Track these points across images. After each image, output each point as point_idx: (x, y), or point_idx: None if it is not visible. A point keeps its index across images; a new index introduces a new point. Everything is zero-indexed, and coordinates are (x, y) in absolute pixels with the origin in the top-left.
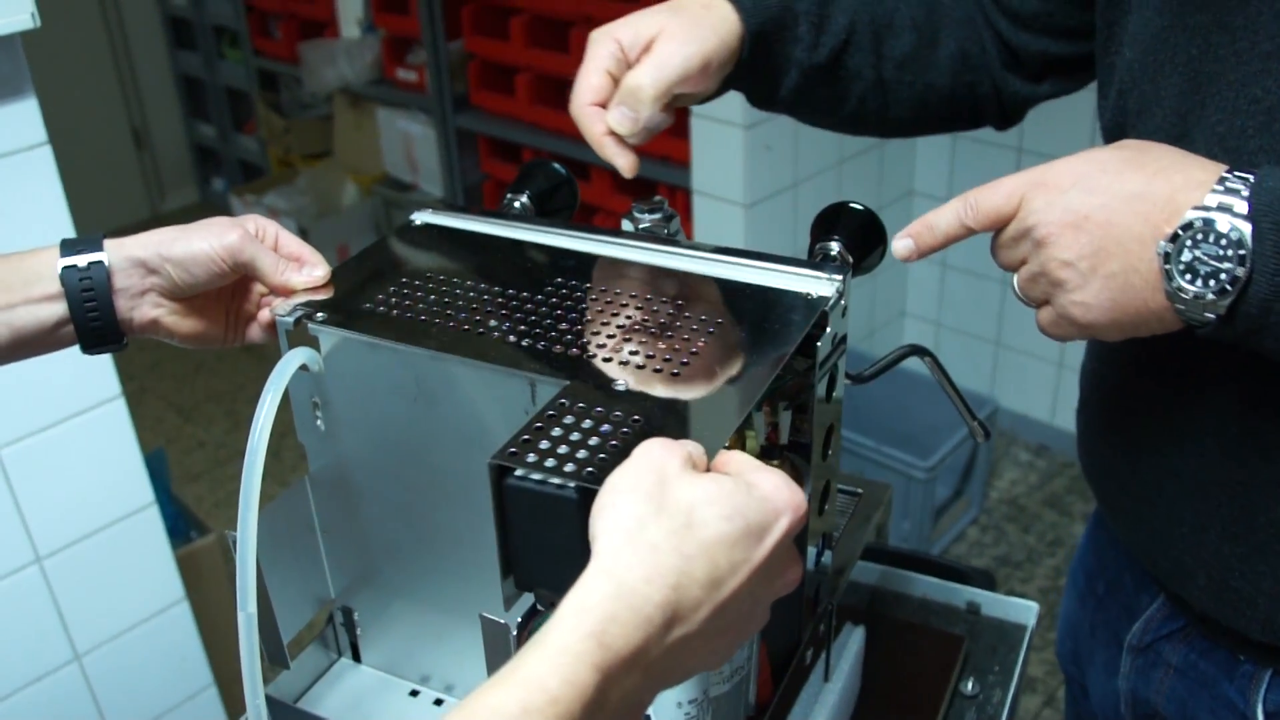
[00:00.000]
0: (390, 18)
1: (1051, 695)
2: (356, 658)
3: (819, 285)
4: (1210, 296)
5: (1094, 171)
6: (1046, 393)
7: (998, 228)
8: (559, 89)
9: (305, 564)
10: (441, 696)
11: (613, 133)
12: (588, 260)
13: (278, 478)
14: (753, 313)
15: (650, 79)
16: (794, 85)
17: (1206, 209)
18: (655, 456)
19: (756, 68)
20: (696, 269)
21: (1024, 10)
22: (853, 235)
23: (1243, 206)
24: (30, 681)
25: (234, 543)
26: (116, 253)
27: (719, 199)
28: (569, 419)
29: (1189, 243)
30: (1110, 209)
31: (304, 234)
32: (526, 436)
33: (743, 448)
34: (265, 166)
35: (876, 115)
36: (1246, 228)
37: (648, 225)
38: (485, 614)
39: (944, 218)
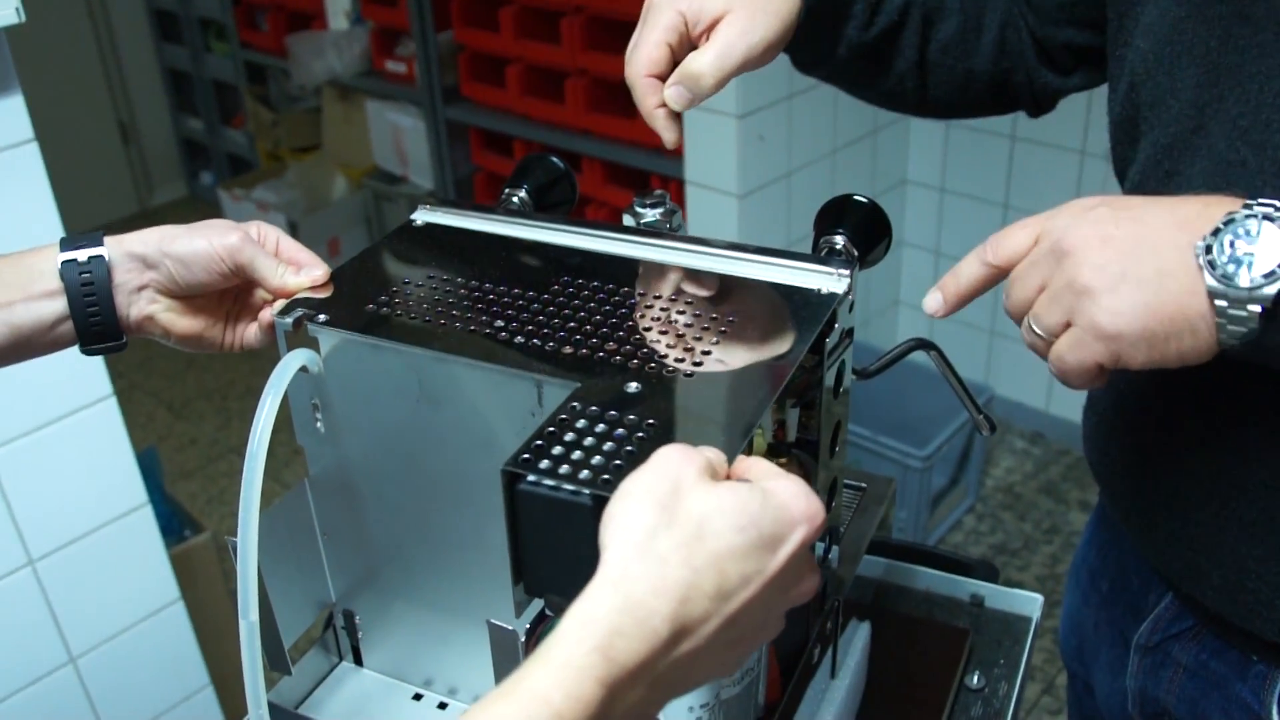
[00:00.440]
0: (379, 9)
1: (1051, 683)
2: (358, 661)
3: (828, 281)
4: (1260, 280)
5: (1115, 200)
6: (1041, 380)
7: (1019, 262)
8: (550, 80)
9: (306, 567)
10: (445, 700)
11: (664, 105)
12: (592, 257)
13: (270, 473)
14: (763, 310)
15: (714, 68)
16: (841, 58)
17: (1248, 207)
18: (672, 464)
19: (808, 39)
20: (703, 265)
21: (1046, 2)
22: (857, 228)
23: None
24: (25, 685)
25: (233, 548)
26: (116, 248)
27: (712, 189)
28: (581, 423)
29: (1231, 236)
30: (1140, 220)
31: (293, 228)
32: (540, 442)
33: (750, 447)
34: (254, 160)
35: (915, 94)
36: None
37: (650, 220)
38: (493, 620)
39: (967, 265)
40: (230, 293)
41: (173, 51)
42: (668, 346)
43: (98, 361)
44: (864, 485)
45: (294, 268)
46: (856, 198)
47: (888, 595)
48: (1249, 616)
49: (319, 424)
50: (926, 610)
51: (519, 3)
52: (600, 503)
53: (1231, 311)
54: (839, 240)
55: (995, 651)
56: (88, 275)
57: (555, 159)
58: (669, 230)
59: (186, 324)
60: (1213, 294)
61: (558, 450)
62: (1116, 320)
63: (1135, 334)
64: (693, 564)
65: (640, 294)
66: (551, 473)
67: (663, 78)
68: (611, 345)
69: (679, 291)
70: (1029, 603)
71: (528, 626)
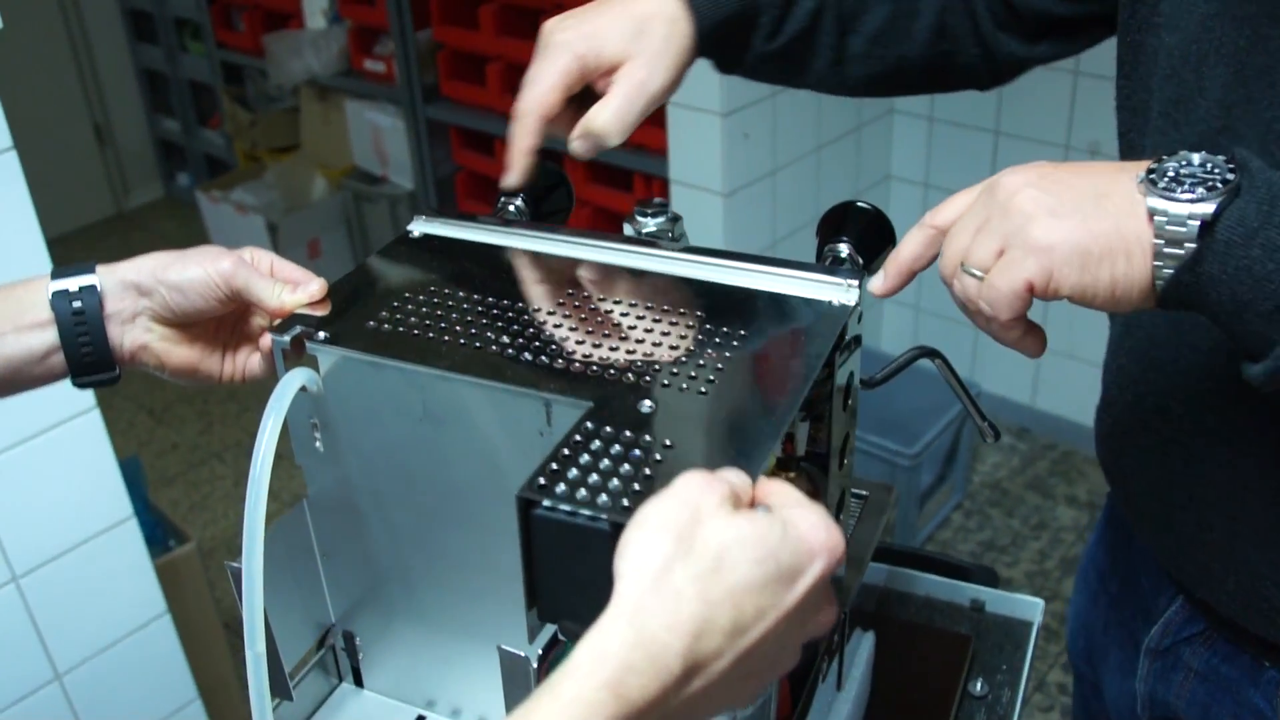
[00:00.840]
0: (356, 8)
1: (1042, 680)
2: (358, 682)
3: (839, 292)
4: (1201, 193)
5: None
6: (1027, 375)
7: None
8: None
9: (306, 589)
10: None
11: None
12: (596, 269)
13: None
14: (775, 322)
15: (617, 127)
16: (751, 64)
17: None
18: (693, 492)
19: (713, 54)
20: (709, 277)
21: None
22: (862, 236)
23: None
24: (10, 703)
25: (234, 575)
26: (109, 277)
27: (697, 188)
28: (596, 445)
29: (1173, 164)
30: (1083, 165)
31: (273, 229)
32: (554, 466)
33: None
34: (231, 161)
35: (838, 83)
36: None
37: (653, 230)
38: (504, 646)
39: (908, 236)
40: (227, 322)
41: (148, 52)
42: (679, 363)
43: None
44: (865, 493)
45: (290, 286)
46: (860, 204)
47: (888, 602)
48: (1263, 623)
49: (318, 443)
50: (927, 616)
51: (499, 0)
52: (619, 529)
53: (1170, 228)
54: (844, 248)
55: (997, 657)
56: (79, 304)
57: (551, 164)
58: (671, 239)
59: (182, 354)
60: (1152, 212)
61: (573, 474)
62: (1050, 234)
63: (1069, 249)
64: (709, 597)
65: (648, 307)
66: (568, 498)
67: (552, 118)
68: (621, 361)
69: (687, 304)
70: (1030, 607)
71: (540, 652)
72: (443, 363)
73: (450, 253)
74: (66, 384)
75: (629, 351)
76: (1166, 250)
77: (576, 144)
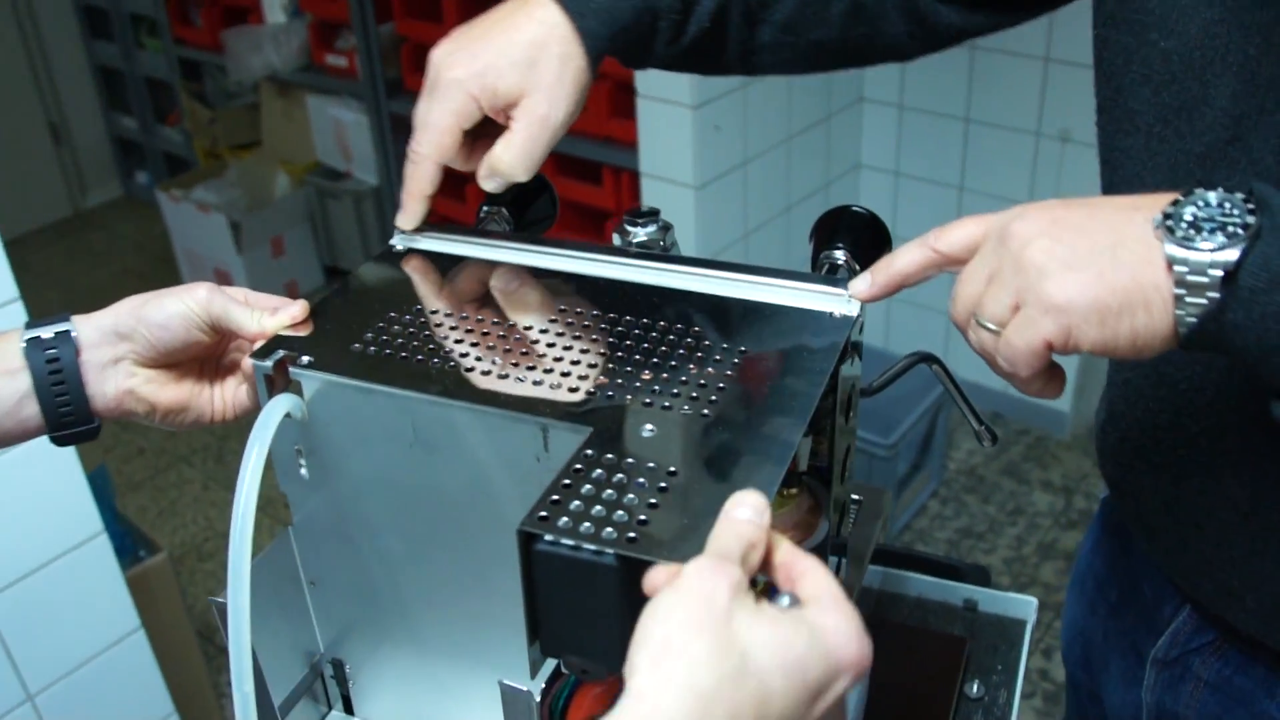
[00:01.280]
0: (317, 2)
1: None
2: (348, 709)
3: (839, 303)
4: (1222, 240)
5: (1068, 199)
6: None
7: (964, 255)
8: None
9: (293, 619)
10: None
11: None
12: (587, 283)
13: (225, 483)
14: (775, 336)
15: (524, 163)
16: (657, 64)
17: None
18: (705, 584)
19: (618, 57)
20: (705, 289)
21: None
22: (857, 241)
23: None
24: None
25: (219, 611)
26: (84, 325)
27: (668, 181)
28: (598, 473)
29: (1191, 206)
30: (1091, 204)
31: (235, 228)
32: (555, 497)
33: None
34: (191, 159)
35: (750, 71)
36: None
37: (643, 239)
38: (506, 681)
39: (907, 249)
40: (210, 360)
41: (103, 48)
42: (680, 383)
43: None
44: (859, 498)
45: (269, 310)
46: (854, 209)
47: (880, 603)
48: None
49: (303, 470)
50: (921, 617)
51: None
52: (625, 563)
53: (1191, 279)
54: (840, 255)
55: (992, 657)
56: (53, 353)
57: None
58: (662, 249)
59: (171, 394)
60: (1171, 261)
61: (575, 505)
62: (1066, 290)
63: (1086, 305)
64: (735, 701)
65: (644, 323)
66: (571, 531)
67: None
68: (619, 382)
69: (684, 319)
70: (1023, 606)
71: (543, 686)
72: (433, 387)
73: (435, 267)
74: None
75: (626, 371)
76: (1188, 300)
77: (485, 183)
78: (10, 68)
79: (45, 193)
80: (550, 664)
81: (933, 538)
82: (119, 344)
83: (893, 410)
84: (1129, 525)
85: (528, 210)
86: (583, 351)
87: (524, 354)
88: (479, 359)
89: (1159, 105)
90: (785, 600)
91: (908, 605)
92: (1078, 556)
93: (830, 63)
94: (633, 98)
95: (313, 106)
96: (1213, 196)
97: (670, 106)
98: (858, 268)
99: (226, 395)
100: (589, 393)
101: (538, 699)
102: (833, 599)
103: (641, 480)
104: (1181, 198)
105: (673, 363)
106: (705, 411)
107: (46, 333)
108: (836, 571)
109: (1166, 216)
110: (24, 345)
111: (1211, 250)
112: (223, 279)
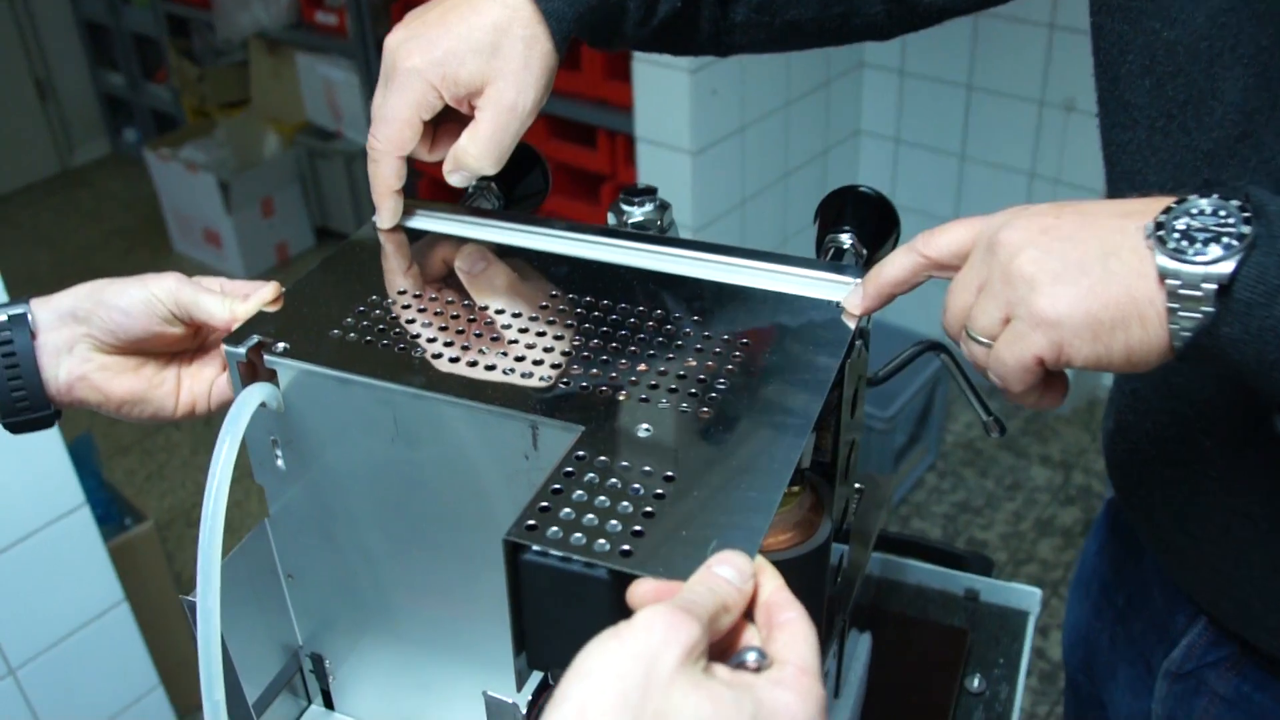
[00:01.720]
0: None
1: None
2: (328, 704)
3: (846, 291)
4: (1217, 252)
5: (1060, 202)
6: None
7: (954, 261)
8: None
9: (269, 613)
10: None
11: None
12: (580, 266)
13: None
14: (780, 328)
15: (492, 155)
16: (625, 46)
17: (1198, 193)
18: (652, 643)
19: (587, 41)
20: (704, 274)
21: None
22: (864, 224)
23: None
24: None
25: (190, 609)
26: (42, 308)
27: (665, 146)
28: (590, 477)
29: (1184, 215)
30: (1082, 211)
31: (224, 188)
32: (545, 504)
33: None
34: (179, 116)
35: (724, 51)
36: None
37: (639, 220)
38: (490, 693)
39: (896, 256)
40: (187, 353)
41: (89, 4)
42: (678, 377)
43: None
44: (861, 486)
45: (242, 297)
46: (861, 189)
47: (880, 592)
48: None
49: (279, 461)
50: (921, 607)
51: None
52: (617, 577)
53: (1184, 292)
54: (846, 239)
55: (994, 650)
56: (6, 334)
57: (525, 143)
58: (659, 230)
59: (125, 384)
60: (1164, 274)
61: (565, 513)
62: (1057, 304)
63: (1078, 320)
64: None
65: (639, 310)
66: (560, 541)
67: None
68: (612, 375)
69: (683, 308)
70: (1026, 597)
71: (529, 699)
72: (416, 378)
73: (422, 249)
74: None
75: (622, 363)
76: (1182, 314)
77: (455, 177)
78: None
79: (32, 150)
80: (537, 676)
81: (930, 512)
82: (75, 326)
83: (891, 383)
84: (1141, 538)
85: (518, 185)
86: (574, 342)
87: (513, 344)
88: (465, 348)
89: (1162, 99)
90: (751, 656)
91: (908, 593)
92: (1082, 557)
93: (805, 42)
94: (628, 60)
95: (302, 65)
96: (1206, 204)
97: (667, 70)
98: (864, 252)
99: (198, 389)
100: (581, 387)
101: (524, 712)
102: (798, 670)
103: (636, 486)
104: (1174, 205)
105: (670, 355)
106: (705, 410)
107: (0, 316)
108: (838, 562)
109: (1158, 226)
110: None
111: (1205, 263)
112: (212, 240)
